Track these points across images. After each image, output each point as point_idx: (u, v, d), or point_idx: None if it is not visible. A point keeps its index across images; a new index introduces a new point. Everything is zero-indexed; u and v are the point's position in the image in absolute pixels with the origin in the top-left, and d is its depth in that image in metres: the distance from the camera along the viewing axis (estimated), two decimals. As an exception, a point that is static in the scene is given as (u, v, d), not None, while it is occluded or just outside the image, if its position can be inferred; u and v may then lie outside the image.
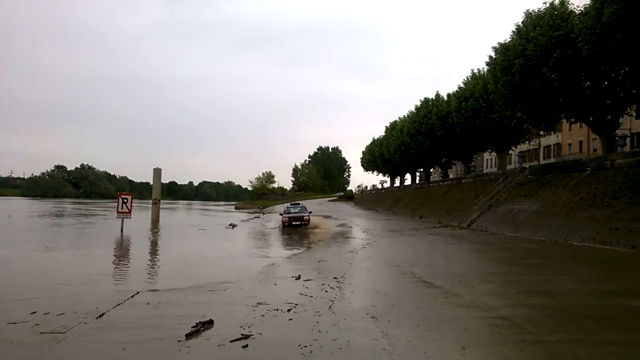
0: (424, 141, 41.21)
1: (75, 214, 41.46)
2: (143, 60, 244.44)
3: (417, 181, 54.38)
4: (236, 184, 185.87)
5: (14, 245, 15.80)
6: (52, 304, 6.84)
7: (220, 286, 8.70)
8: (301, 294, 7.74)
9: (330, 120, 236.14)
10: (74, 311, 6.47)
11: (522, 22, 23.56)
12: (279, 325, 5.93)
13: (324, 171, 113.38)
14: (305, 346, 4.94)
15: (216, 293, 8.14)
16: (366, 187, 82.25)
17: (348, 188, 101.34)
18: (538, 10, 23.03)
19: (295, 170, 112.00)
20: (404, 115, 48.56)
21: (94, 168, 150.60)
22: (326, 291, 8.03)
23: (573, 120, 25.93)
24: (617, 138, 22.75)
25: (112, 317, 6.33)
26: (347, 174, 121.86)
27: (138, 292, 7.93)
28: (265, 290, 8.46)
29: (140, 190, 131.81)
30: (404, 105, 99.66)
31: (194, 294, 8.06)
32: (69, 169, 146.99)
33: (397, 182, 62.64)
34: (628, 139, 30.48)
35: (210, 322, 5.83)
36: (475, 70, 34.01)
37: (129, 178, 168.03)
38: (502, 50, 24.09)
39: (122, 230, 19.95)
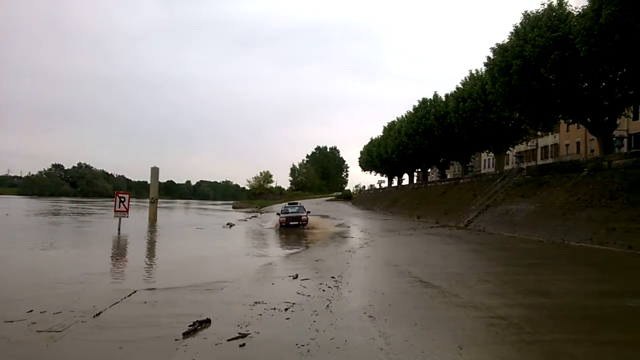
0: (421, 141, 41.27)
1: (72, 213, 41.39)
2: (141, 60, 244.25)
3: (415, 181, 54.44)
4: (234, 183, 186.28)
5: (11, 244, 15.74)
6: (49, 303, 6.81)
7: (218, 285, 8.69)
8: (299, 293, 7.73)
9: (328, 120, 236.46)
10: (71, 310, 6.45)
11: (520, 23, 23.60)
12: (276, 324, 5.93)
13: (322, 171, 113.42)
14: (303, 345, 4.94)
15: (213, 292, 8.13)
16: (364, 187, 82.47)
17: (346, 188, 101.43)
18: (536, 12, 23.08)
19: (293, 170, 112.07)
20: (402, 116, 48.66)
21: (92, 167, 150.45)
22: (324, 290, 8.03)
23: (571, 121, 26.05)
24: (614, 139, 22.85)
25: (109, 316, 6.31)
26: (345, 173, 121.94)
27: (135, 291, 7.91)
28: (263, 290, 8.45)
29: (138, 189, 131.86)
30: (402, 106, 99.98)
31: (191, 293, 8.04)
32: (66, 168, 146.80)
33: (395, 182, 62.70)
34: (625, 140, 30.59)
35: (207, 321, 5.82)
36: (474, 71, 34.08)
37: (127, 177, 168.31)
38: (500, 51, 24.14)
39: (119, 229, 19.89)
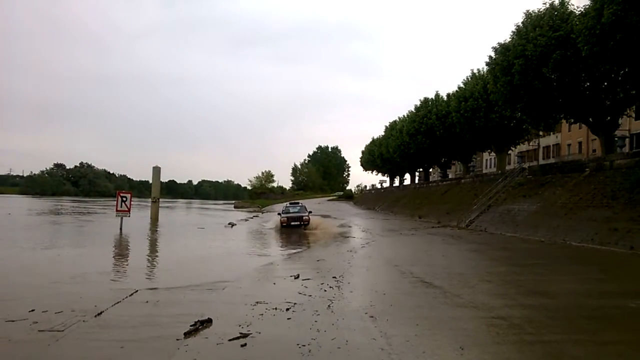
0: (423, 141, 41.22)
1: (74, 212, 41.44)
2: (142, 60, 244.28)
3: (417, 181, 54.40)
4: (235, 183, 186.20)
5: (13, 243, 15.77)
6: (50, 302, 6.82)
7: (219, 285, 8.70)
8: (300, 293, 7.74)
9: (330, 120, 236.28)
10: (73, 309, 6.46)
11: (522, 23, 23.55)
12: (277, 324, 5.93)
13: (323, 170, 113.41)
14: (304, 345, 4.94)
15: (215, 292, 8.14)
16: (365, 186, 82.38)
17: (347, 187, 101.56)
18: (538, 11, 23.03)
19: (295, 170, 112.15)
20: (404, 115, 48.57)
21: (93, 166, 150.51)
22: (325, 290, 8.04)
23: (572, 120, 25.96)
24: (616, 139, 22.76)
25: (110, 316, 6.32)
26: (346, 173, 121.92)
27: (137, 291, 7.92)
28: (264, 289, 8.45)
29: (140, 189, 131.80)
30: (403, 105, 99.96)
31: (192, 292, 8.05)
32: (68, 167, 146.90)
33: (397, 182, 62.72)
34: (627, 139, 30.54)
35: (209, 321, 5.83)
36: (475, 70, 34.06)
37: (128, 176, 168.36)
38: (502, 50, 24.09)
39: (121, 229, 19.93)
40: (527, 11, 23.60)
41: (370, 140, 66.22)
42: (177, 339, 5.21)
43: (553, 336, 5.41)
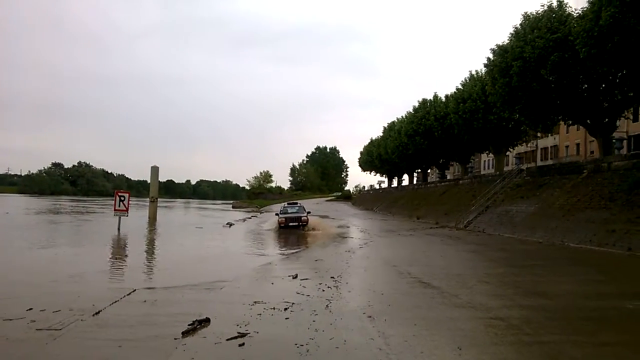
0: (421, 142, 41.27)
1: (72, 212, 41.37)
2: (141, 59, 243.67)
3: (415, 182, 54.44)
4: (234, 183, 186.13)
5: (11, 242, 15.75)
6: (48, 301, 6.81)
7: (217, 284, 8.70)
8: (298, 293, 7.74)
9: (328, 120, 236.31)
10: (71, 308, 6.46)
11: (520, 25, 23.61)
12: (275, 323, 5.93)
13: (321, 171, 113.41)
14: (302, 345, 4.94)
15: (213, 291, 8.14)
16: (364, 187, 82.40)
17: (346, 188, 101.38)
18: (536, 13, 23.09)
19: (293, 170, 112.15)
20: (402, 116, 48.65)
21: (92, 166, 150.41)
22: (323, 290, 8.04)
23: (570, 122, 26.05)
24: (614, 141, 22.83)
25: (108, 315, 6.31)
26: (344, 174, 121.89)
27: (135, 290, 7.91)
28: (262, 289, 8.45)
29: (138, 189, 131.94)
30: (402, 106, 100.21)
31: (190, 292, 8.05)
32: (66, 167, 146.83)
33: (395, 183, 62.70)
34: (625, 141, 30.57)
35: (206, 320, 5.83)
36: (474, 72, 34.05)
37: (127, 176, 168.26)
38: (500, 52, 24.14)
39: (119, 228, 19.90)
40: (525, 13, 23.69)
41: (369, 141, 66.39)
42: (175, 339, 5.21)
43: (551, 337, 5.42)
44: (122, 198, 21.37)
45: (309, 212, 25.79)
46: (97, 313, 6.30)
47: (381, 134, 57.53)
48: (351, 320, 6.06)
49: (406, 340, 5.17)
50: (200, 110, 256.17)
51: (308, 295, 7.58)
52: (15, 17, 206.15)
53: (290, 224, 23.84)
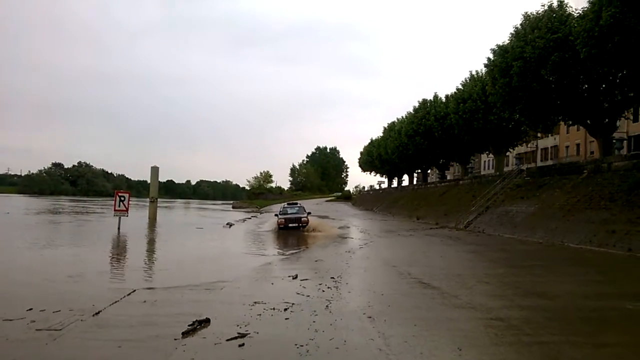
0: (421, 142, 41.27)
1: (72, 212, 41.38)
2: (141, 59, 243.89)
3: (415, 182, 54.44)
4: (234, 183, 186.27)
5: (12, 242, 15.75)
6: (48, 301, 6.81)
7: (217, 285, 8.70)
8: (298, 294, 7.74)
9: (328, 121, 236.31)
10: (70, 308, 6.45)
11: (521, 25, 23.62)
12: (275, 324, 5.93)
13: (321, 171, 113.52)
14: (302, 345, 4.94)
15: (213, 292, 8.14)
16: (364, 187, 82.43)
17: (346, 188, 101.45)
18: (536, 13, 23.10)
19: (293, 170, 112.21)
20: (402, 116, 48.68)
21: (92, 166, 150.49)
22: (323, 291, 8.04)
23: (570, 122, 26.06)
24: (614, 141, 22.83)
25: (108, 315, 6.31)
26: (345, 174, 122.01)
27: (135, 290, 7.91)
28: (262, 290, 8.45)
29: (138, 189, 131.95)
30: (402, 107, 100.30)
31: (190, 292, 8.05)
32: (66, 167, 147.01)
33: (395, 183, 62.71)
34: (625, 142, 30.58)
35: (206, 321, 5.83)
36: (474, 72, 34.05)
37: (127, 176, 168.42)
38: (501, 52, 24.16)
39: (119, 229, 19.90)
40: (526, 13, 23.70)
41: (369, 141, 66.42)
42: (175, 339, 5.21)
43: (551, 337, 5.42)
44: (122, 198, 21.37)
45: (309, 213, 25.33)
46: (97, 313, 6.31)
47: (381, 134, 57.57)
48: (351, 321, 6.05)
49: (406, 341, 5.16)
50: (200, 110, 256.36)
51: (308, 296, 7.58)
52: (15, 16, 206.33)
53: (290, 225, 23.27)
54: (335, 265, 11.44)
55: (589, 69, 19.56)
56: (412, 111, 44.90)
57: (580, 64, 19.74)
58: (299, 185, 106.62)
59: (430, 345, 5.07)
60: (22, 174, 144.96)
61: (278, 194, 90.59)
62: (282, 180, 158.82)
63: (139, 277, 10.04)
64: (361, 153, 71.25)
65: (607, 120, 22.52)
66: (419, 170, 52.74)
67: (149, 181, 33.80)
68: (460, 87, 35.13)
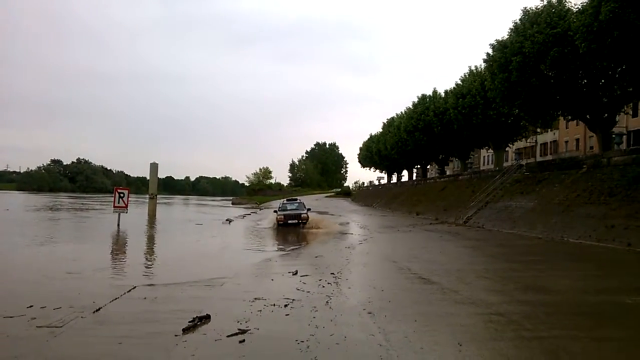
0: (421, 138, 41.20)
1: (71, 209, 41.33)
2: (140, 56, 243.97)
3: (414, 178, 54.44)
4: (233, 179, 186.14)
5: (11, 239, 15.73)
6: (48, 298, 6.81)
7: (217, 281, 8.70)
8: (298, 290, 7.75)
9: (327, 116, 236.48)
10: (71, 305, 6.45)
11: (520, 20, 23.54)
12: (276, 320, 5.94)
13: (321, 167, 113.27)
14: (302, 341, 4.95)
15: (213, 288, 8.14)
16: (363, 183, 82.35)
17: (345, 184, 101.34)
18: (536, 8, 23.02)
19: (293, 166, 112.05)
20: (401, 112, 48.63)
21: (90, 162, 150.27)
22: (323, 287, 8.05)
23: (570, 117, 26.01)
24: (613, 136, 22.86)
25: (108, 312, 6.32)
26: (344, 170, 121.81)
27: (135, 287, 7.91)
28: (262, 286, 8.46)
29: (137, 185, 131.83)
30: (401, 102, 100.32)
31: (190, 288, 8.05)
32: (65, 163, 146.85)
33: (394, 179, 62.71)
34: (624, 136, 30.62)
35: (207, 317, 5.83)
36: (473, 67, 34.02)
37: (126, 173, 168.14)
38: (500, 47, 24.08)
39: (118, 225, 19.90)
40: (525, 8, 23.59)
41: (368, 136, 66.36)
42: (176, 335, 5.21)
43: (550, 332, 5.43)
44: (122, 195, 21.38)
45: (308, 209, 24.86)
46: (97, 310, 6.31)
47: (380, 130, 57.51)
48: (351, 317, 6.07)
49: (406, 336, 5.17)
50: (200, 107, 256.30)
51: (308, 292, 7.59)
52: (14, 15, 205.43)
53: (290, 221, 22.81)
54: (335, 261, 11.45)
55: (588, 64, 19.52)
56: (411, 107, 44.80)
57: (580, 59, 19.70)
58: (299, 181, 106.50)
59: (430, 341, 5.08)
60: (21, 171, 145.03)
61: (277, 190, 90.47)
62: (281, 176, 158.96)
63: (139, 274, 10.04)
64: (360, 149, 71.25)
65: (606, 115, 22.50)
66: (419, 166, 52.74)
67: (148, 178, 33.80)
68: (459, 82, 35.07)
